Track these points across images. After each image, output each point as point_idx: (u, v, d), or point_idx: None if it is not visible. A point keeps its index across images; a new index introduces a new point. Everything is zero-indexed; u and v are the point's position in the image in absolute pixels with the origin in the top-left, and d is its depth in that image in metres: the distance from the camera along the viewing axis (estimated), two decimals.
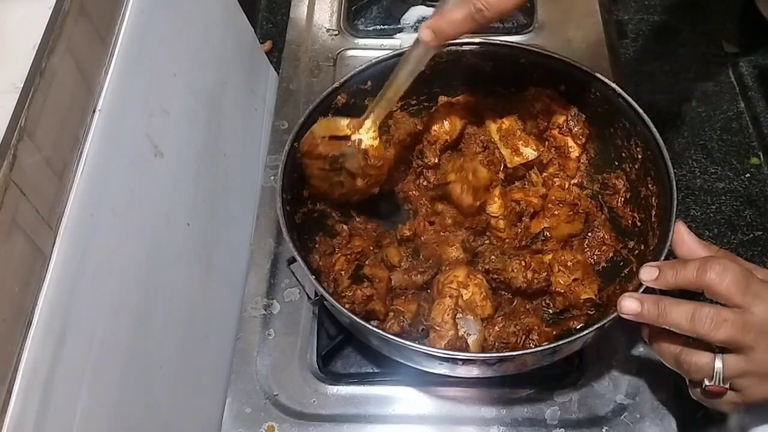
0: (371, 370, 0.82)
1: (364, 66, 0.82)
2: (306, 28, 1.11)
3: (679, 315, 0.57)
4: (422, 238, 0.83)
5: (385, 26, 1.12)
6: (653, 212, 0.75)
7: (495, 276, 0.78)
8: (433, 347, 0.70)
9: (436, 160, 0.86)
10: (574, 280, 0.77)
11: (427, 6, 1.13)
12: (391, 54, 0.83)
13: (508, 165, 0.85)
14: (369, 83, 0.82)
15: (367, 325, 0.66)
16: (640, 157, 0.78)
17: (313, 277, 0.69)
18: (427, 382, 0.78)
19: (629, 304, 0.60)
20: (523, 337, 0.75)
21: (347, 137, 0.76)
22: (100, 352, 0.61)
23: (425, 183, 0.86)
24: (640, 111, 0.76)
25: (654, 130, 0.75)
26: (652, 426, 0.75)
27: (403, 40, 1.09)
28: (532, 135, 0.85)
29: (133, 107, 0.71)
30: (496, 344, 0.75)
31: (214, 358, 0.85)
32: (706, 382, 0.59)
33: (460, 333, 0.73)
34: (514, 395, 0.78)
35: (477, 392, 0.78)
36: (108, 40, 0.69)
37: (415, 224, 0.84)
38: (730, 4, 1.23)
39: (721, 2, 1.22)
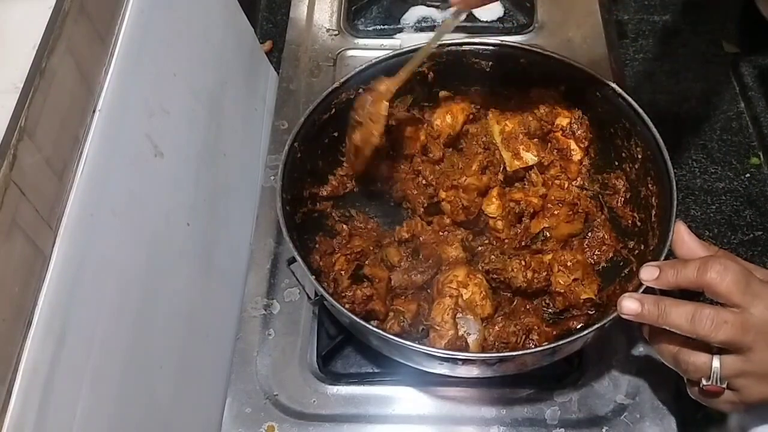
0: (371, 370, 0.82)
1: (364, 66, 0.82)
2: (306, 28, 1.11)
3: (679, 316, 0.57)
4: (421, 238, 0.83)
5: (385, 26, 1.12)
6: (653, 212, 0.75)
7: (495, 276, 0.78)
8: (433, 347, 0.70)
9: (441, 155, 0.86)
10: (574, 280, 0.77)
11: (427, 6, 1.13)
12: (391, 54, 0.83)
13: (508, 169, 0.85)
14: (369, 84, 0.82)
15: (367, 325, 0.66)
16: (640, 157, 0.78)
17: (313, 277, 0.69)
18: (427, 382, 0.78)
19: (629, 305, 0.60)
20: (523, 336, 0.75)
21: None
22: (100, 352, 0.61)
23: (423, 182, 0.86)
24: (640, 111, 0.76)
25: (654, 130, 0.75)
26: (652, 426, 0.75)
27: (403, 40, 1.09)
28: (534, 137, 0.85)
29: (133, 107, 0.71)
30: (496, 344, 0.75)
31: (214, 358, 0.85)
32: (704, 382, 0.59)
33: (460, 333, 0.73)
34: (514, 395, 0.78)
35: (477, 392, 0.78)
36: (108, 40, 0.69)
37: (413, 225, 0.84)
38: (730, 4, 1.23)
39: (721, 2, 1.22)
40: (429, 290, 0.80)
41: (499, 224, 0.82)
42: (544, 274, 0.77)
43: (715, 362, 0.58)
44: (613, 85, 0.78)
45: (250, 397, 0.79)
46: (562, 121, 0.83)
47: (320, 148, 0.83)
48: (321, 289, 0.69)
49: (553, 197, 0.83)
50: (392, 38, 1.10)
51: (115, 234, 0.65)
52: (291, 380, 0.80)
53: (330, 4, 1.14)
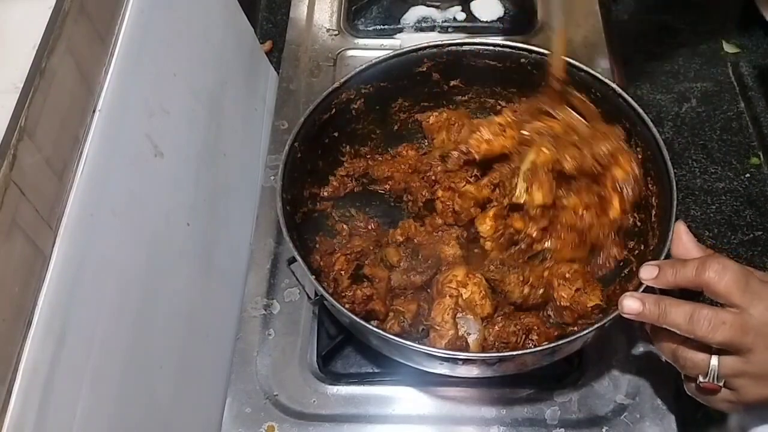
0: (371, 370, 0.82)
1: (364, 66, 0.82)
2: (306, 28, 1.11)
3: (679, 316, 0.57)
4: (415, 240, 0.83)
5: (385, 26, 1.12)
6: (653, 212, 0.75)
7: (493, 285, 0.76)
8: (433, 347, 0.70)
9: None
10: (577, 290, 0.74)
11: (427, 6, 1.13)
12: (391, 54, 0.83)
13: (515, 199, 0.77)
14: (369, 85, 0.82)
15: (367, 325, 0.66)
16: (640, 157, 0.77)
17: (313, 277, 0.69)
18: (427, 382, 0.78)
19: (631, 304, 0.60)
20: (523, 336, 0.74)
21: None
22: (100, 352, 0.61)
23: (432, 177, 0.85)
24: (640, 111, 0.76)
25: (654, 130, 0.75)
26: (652, 426, 0.75)
27: (403, 40, 1.09)
28: (573, 177, 0.77)
29: (133, 107, 0.71)
30: (496, 344, 0.75)
31: (214, 358, 0.85)
32: (701, 379, 0.59)
33: (461, 332, 0.73)
34: (514, 395, 0.78)
35: (477, 392, 0.78)
36: (108, 40, 0.69)
37: (407, 227, 0.83)
38: (730, 4, 1.23)
39: (721, 2, 1.22)
40: (429, 290, 0.79)
41: (488, 245, 0.79)
42: (541, 290, 0.75)
43: (714, 361, 0.58)
44: (613, 85, 0.78)
45: (250, 397, 0.79)
46: (618, 173, 0.75)
47: (320, 148, 0.83)
48: (321, 289, 0.69)
49: (563, 220, 0.77)
50: (392, 38, 1.10)
51: (115, 234, 0.65)
52: (291, 380, 0.80)
53: (330, 4, 1.14)
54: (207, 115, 0.89)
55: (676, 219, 0.68)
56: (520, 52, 0.83)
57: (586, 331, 0.65)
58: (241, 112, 1.03)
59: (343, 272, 0.77)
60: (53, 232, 0.57)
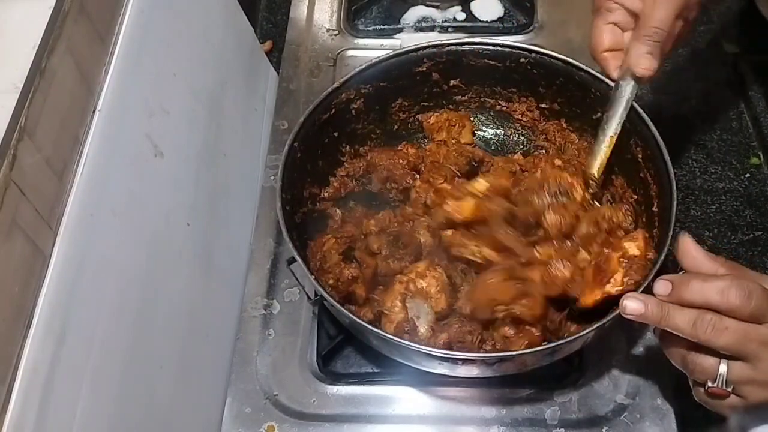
0: (371, 370, 0.82)
1: (364, 66, 0.82)
2: (306, 28, 1.11)
3: (682, 319, 0.57)
4: (388, 230, 0.82)
5: (385, 26, 1.12)
6: (653, 212, 0.75)
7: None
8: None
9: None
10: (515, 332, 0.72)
11: (427, 6, 1.13)
12: (391, 54, 0.83)
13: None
14: (369, 84, 0.82)
15: (367, 326, 0.67)
16: (640, 157, 0.78)
17: (313, 277, 0.69)
18: (427, 382, 0.78)
19: (632, 305, 0.59)
20: (478, 336, 0.73)
21: None
22: (100, 352, 0.61)
23: (420, 166, 0.86)
24: (640, 111, 0.76)
25: (654, 130, 0.75)
26: (652, 426, 0.75)
27: (403, 40, 1.09)
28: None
29: (133, 107, 0.71)
30: (453, 345, 0.73)
31: (214, 358, 0.85)
32: (709, 384, 0.59)
33: (410, 315, 0.72)
34: (514, 395, 0.78)
35: (477, 392, 0.78)
36: (108, 40, 0.69)
37: (381, 218, 0.82)
38: (730, 4, 1.23)
39: (721, 2, 1.22)
40: None
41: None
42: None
43: (722, 366, 0.58)
44: (614, 85, 0.78)
45: (250, 397, 0.79)
46: (632, 249, 0.69)
47: (320, 148, 0.83)
48: (321, 289, 0.69)
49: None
50: (392, 38, 1.10)
51: (115, 234, 0.65)
52: (291, 380, 0.80)
53: (330, 4, 1.14)
54: (207, 115, 0.89)
55: (676, 219, 0.68)
56: (520, 52, 0.83)
57: (586, 331, 0.65)
58: (241, 112, 1.03)
59: (332, 251, 0.77)
60: (53, 232, 0.57)
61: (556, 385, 0.79)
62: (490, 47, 0.84)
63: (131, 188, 0.69)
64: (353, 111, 0.85)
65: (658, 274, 0.63)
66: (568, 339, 0.66)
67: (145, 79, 0.74)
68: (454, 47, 0.84)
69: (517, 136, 0.93)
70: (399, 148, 0.89)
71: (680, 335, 0.58)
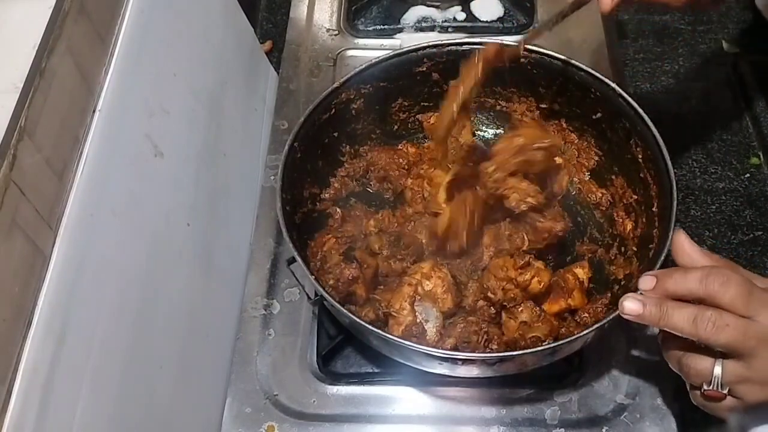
0: (371, 370, 0.82)
1: (364, 66, 0.82)
2: (306, 28, 1.11)
3: (681, 318, 0.57)
4: (388, 231, 0.82)
5: (385, 26, 1.12)
6: (653, 212, 0.75)
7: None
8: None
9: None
10: (522, 323, 0.74)
11: (427, 6, 1.13)
12: (391, 54, 0.83)
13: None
14: (369, 84, 0.82)
15: (368, 326, 0.67)
16: (640, 157, 0.78)
17: (313, 277, 0.69)
18: (427, 382, 0.78)
19: (631, 305, 0.59)
20: (484, 336, 0.73)
21: None
22: (100, 352, 0.61)
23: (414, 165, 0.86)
24: (640, 111, 0.76)
25: (654, 130, 0.75)
26: (652, 426, 0.75)
27: (403, 40, 1.09)
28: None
29: (133, 107, 0.71)
30: (458, 345, 0.73)
31: (214, 358, 0.85)
32: (705, 387, 0.58)
33: (418, 319, 0.72)
34: (514, 395, 0.78)
35: (477, 392, 0.78)
36: (108, 40, 0.69)
37: (381, 218, 0.83)
38: (730, 4, 1.23)
39: (721, 2, 1.22)
40: None
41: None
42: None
43: (717, 368, 0.58)
44: (613, 85, 0.78)
45: (250, 397, 0.79)
46: (581, 273, 0.78)
47: (320, 148, 0.83)
48: (321, 289, 0.69)
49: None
50: (392, 38, 1.10)
51: (115, 234, 0.65)
52: (291, 380, 0.80)
53: (330, 4, 1.14)
54: (207, 115, 0.89)
55: (677, 219, 0.69)
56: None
57: (586, 331, 0.65)
58: (241, 112, 1.03)
59: (333, 251, 0.77)
60: (53, 232, 0.57)
61: (556, 385, 0.79)
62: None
63: (131, 188, 0.69)
64: (353, 111, 0.85)
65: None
66: (568, 339, 0.66)
67: (145, 79, 0.74)
68: (454, 47, 0.84)
69: None
70: (399, 147, 0.89)
71: (680, 335, 0.58)
